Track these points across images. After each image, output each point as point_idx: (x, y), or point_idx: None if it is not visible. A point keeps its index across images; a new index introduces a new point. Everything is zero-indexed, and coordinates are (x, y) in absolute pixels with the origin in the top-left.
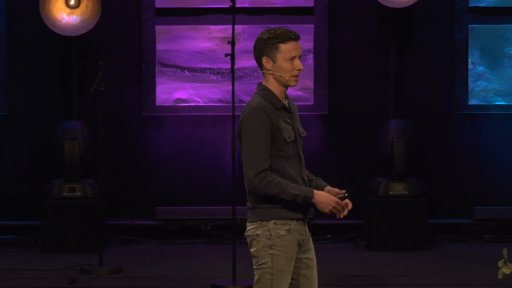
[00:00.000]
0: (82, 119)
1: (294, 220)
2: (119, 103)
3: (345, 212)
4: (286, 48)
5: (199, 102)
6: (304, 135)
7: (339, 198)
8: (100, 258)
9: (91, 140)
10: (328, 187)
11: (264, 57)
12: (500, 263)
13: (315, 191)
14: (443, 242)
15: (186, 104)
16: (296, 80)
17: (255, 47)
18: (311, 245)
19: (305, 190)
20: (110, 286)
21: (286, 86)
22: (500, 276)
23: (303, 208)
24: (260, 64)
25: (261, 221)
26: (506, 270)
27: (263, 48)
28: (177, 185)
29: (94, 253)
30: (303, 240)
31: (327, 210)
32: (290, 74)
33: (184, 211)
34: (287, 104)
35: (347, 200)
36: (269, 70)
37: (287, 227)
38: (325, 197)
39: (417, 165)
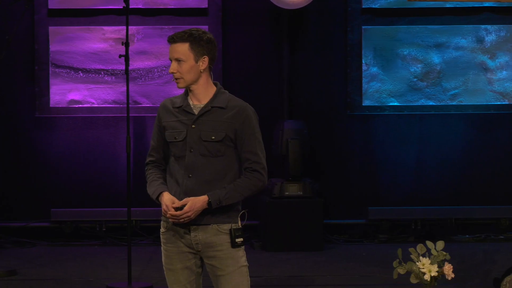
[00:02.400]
0: None
1: (166, 221)
2: (11, 105)
3: (180, 220)
4: None
5: (93, 103)
6: (208, 139)
7: (175, 208)
8: None
9: None
10: (186, 198)
11: None
12: (395, 263)
13: (163, 193)
14: (338, 243)
15: (80, 106)
16: (177, 83)
17: None
18: (217, 253)
19: (155, 189)
20: None
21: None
22: (395, 276)
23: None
24: None
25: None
26: (401, 270)
27: None
28: (72, 187)
29: None
30: (195, 243)
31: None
32: None
33: (78, 212)
34: (192, 105)
35: (179, 212)
36: None
37: (165, 225)
38: (164, 201)
39: (311, 166)
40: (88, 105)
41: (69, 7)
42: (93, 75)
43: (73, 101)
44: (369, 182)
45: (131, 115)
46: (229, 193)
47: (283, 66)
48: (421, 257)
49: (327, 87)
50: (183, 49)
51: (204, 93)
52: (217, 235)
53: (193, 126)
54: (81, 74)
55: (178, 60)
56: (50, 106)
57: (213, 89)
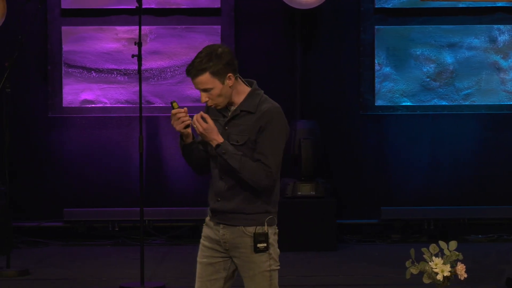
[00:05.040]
0: None
1: (208, 216)
2: (25, 105)
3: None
4: None
5: (106, 103)
6: (234, 143)
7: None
8: (8, 260)
9: None
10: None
11: None
12: (408, 263)
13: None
14: (350, 243)
15: (93, 105)
16: (216, 107)
17: None
18: (240, 255)
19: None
20: None
21: None
22: (407, 276)
23: (211, 207)
24: None
25: None
26: (413, 270)
27: None
28: (85, 187)
29: (1, 255)
30: (223, 242)
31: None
32: None
33: (91, 212)
34: (230, 109)
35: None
36: None
37: (207, 218)
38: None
39: (324, 166)
40: (101, 105)
41: (82, 7)
42: (106, 75)
43: (86, 101)
44: (382, 182)
45: (143, 115)
46: (236, 156)
47: (296, 66)
48: (433, 257)
49: (340, 87)
50: (205, 79)
51: (237, 96)
52: (242, 236)
53: (226, 128)
54: (94, 74)
55: (205, 90)
56: (63, 106)
57: (245, 91)
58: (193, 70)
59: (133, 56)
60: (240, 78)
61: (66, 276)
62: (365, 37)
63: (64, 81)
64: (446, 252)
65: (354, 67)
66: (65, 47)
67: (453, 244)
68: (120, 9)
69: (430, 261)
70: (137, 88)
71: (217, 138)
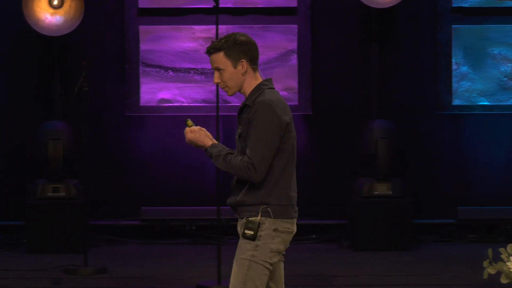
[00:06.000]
0: (65, 119)
1: None
2: (102, 103)
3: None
4: None
5: (183, 102)
6: (237, 137)
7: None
8: (85, 259)
9: (74, 140)
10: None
11: None
12: (485, 263)
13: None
14: (427, 242)
15: (170, 104)
16: (226, 92)
17: None
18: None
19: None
20: (95, 287)
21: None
22: (485, 276)
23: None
24: None
25: None
26: (491, 270)
27: None
28: (162, 185)
29: (78, 253)
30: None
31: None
32: None
33: (168, 211)
34: (243, 105)
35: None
36: None
37: None
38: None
39: (400, 165)
40: (178, 104)
41: (159, 6)
42: (183, 74)
43: (163, 100)
44: (459, 182)
45: (220, 114)
46: (220, 157)
47: (373, 65)
48: (511, 257)
49: (417, 86)
50: (219, 58)
51: (249, 89)
52: (243, 227)
53: (239, 122)
54: (171, 73)
55: (218, 69)
56: (140, 105)
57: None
58: (210, 48)
59: None
60: (259, 73)
61: (143, 275)
62: (442, 37)
63: (141, 80)
64: None
65: (431, 67)
66: (143, 46)
67: None
68: (197, 8)
69: (508, 261)
70: (214, 87)
71: (204, 143)
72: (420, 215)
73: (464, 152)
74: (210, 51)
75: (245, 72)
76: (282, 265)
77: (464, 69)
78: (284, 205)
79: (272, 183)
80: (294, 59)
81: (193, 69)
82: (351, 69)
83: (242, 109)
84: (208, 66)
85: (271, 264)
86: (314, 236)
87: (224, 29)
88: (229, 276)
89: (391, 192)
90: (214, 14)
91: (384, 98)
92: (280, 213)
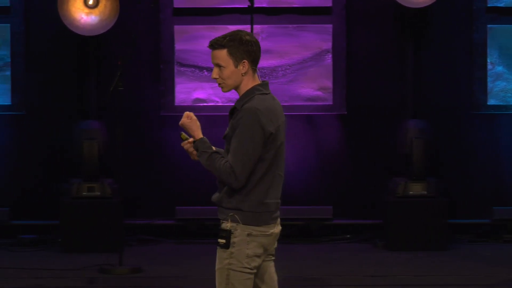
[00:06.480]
0: (100, 118)
1: None
2: (137, 103)
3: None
4: None
5: (217, 102)
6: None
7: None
8: (120, 258)
9: (109, 140)
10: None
11: None
12: None
13: None
14: (462, 242)
15: (205, 104)
16: (221, 88)
17: None
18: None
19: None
20: (130, 286)
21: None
22: None
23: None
24: None
25: None
26: None
27: None
28: (196, 185)
29: (113, 252)
30: None
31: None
32: None
33: (203, 210)
34: (234, 107)
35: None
36: None
37: None
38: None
39: (435, 165)
40: (213, 104)
41: (194, 6)
42: None
43: (197, 100)
44: (494, 182)
45: None
46: (206, 154)
47: (408, 65)
48: None
49: (452, 86)
50: (222, 55)
51: (244, 90)
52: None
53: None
54: (205, 72)
55: (218, 66)
56: (175, 104)
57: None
58: (214, 43)
59: None
60: (257, 75)
61: (178, 274)
62: (477, 36)
63: (176, 80)
64: None
65: (466, 66)
66: (177, 46)
67: None
68: (232, 8)
69: None
70: None
71: (195, 134)
72: (455, 215)
73: (499, 152)
74: (214, 46)
75: (245, 72)
76: (271, 265)
77: (499, 69)
78: (258, 212)
79: (248, 190)
80: (328, 59)
81: None
82: (386, 68)
83: (233, 110)
84: None
85: (251, 269)
86: (348, 236)
87: (259, 29)
88: None
89: (426, 192)
90: (249, 13)
91: (419, 97)
92: (252, 220)
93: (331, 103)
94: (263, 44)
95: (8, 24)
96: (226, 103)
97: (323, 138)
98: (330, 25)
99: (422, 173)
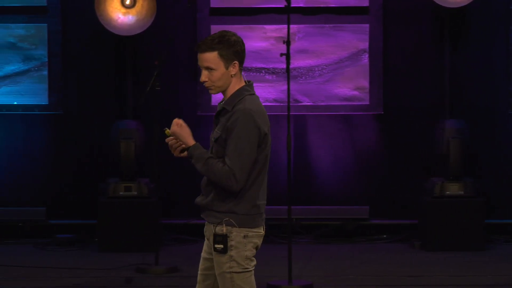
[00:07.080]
0: (137, 118)
1: None
2: (174, 103)
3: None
4: None
5: None
6: (212, 139)
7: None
8: (156, 257)
9: (146, 139)
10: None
11: None
12: None
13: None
14: (498, 243)
15: None
16: (209, 90)
17: None
18: (213, 252)
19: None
20: (166, 285)
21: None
22: None
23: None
24: None
25: None
26: None
27: None
28: None
29: (150, 252)
30: (206, 238)
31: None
32: None
33: None
34: (220, 106)
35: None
36: None
37: None
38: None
39: (472, 165)
40: None
41: (231, 6)
42: (254, 73)
43: None
44: None
45: (291, 113)
46: (201, 160)
47: (445, 65)
48: None
49: (489, 86)
50: (212, 57)
51: (231, 91)
52: (211, 234)
53: (215, 123)
54: (242, 72)
55: (208, 69)
56: (212, 104)
57: (237, 88)
58: (203, 45)
59: (281, 55)
60: (243, 76)
61: None
62: None
63: None
64: None
65: (503, 67)
66: None
67: None
68: (269, 8)
69: None
70: (285, 87)
71: (187, 142)
72: (492, 215)
73: None
74: (203, 48)
75: (235, 74)
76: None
77: None
78: (252, 214)
79: (242, 193)
80: (365, 59)
81: (264, 68)
82: (423, 68)
83: (220, 111)
84: (280, 65)
85: (251, 268)
86: (385, 236)
87: (295, 29)
88: (300, 276)
89: (462, 192)
90: (286, 13)
91: (456, 97)
92: (247, 223)
93: (367, 103)
94: (300, 44)
95: (46, 24)
96: (263, 103)
97: (359, 138)
98: (367, 25)
99: (459, 173)
